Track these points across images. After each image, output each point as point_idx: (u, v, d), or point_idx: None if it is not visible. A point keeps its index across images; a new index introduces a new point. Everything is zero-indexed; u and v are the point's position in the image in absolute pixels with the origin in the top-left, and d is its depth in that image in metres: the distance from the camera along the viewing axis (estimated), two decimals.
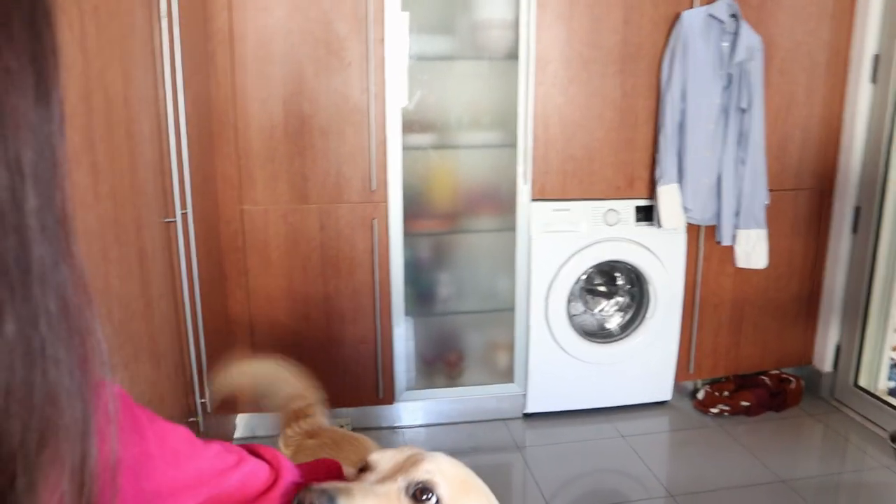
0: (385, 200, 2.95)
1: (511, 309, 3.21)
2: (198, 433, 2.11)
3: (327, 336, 3.04)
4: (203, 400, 2.18)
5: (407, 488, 0.88)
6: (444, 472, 0.91)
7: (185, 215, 2.08)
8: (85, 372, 0.45)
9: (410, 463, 0.91)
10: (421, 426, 3.27)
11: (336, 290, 3.02)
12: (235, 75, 2.75)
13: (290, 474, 0.92)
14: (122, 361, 1.52)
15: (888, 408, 3.20)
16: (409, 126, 2.96)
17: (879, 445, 3.03)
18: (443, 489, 0.89)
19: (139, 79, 1.71)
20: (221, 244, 2.86)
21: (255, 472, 0.88)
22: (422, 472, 0.89)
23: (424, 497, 0.87)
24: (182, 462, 0.79)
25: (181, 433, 0.81)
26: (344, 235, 2.97)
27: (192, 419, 2.10)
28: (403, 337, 3.14)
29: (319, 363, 3.08)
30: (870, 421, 3.25)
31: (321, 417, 1.81)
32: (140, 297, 1.67)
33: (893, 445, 2.16)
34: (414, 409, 3.25)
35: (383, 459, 0.93)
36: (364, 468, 0.94)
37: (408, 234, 3.04)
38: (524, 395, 3.30)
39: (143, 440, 0.74)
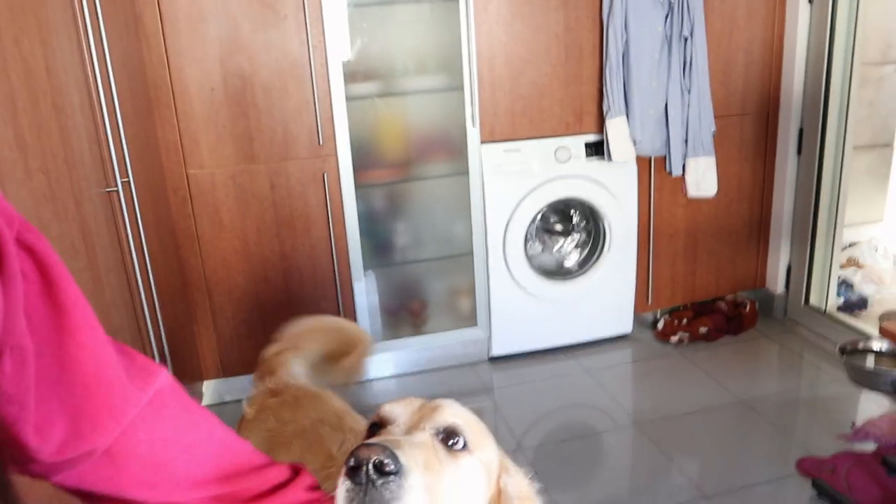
0: (334, 154, 2.91)
1: (469, 253, 3.22)
2: None
3: (287, 296, 3.03)
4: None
5: (436, 434, 0.87)
6: (463, 416, 0.91)
7: (126, 184, 2.03)
8: None
9: (429, 410, 0.90)
10: (390, 377, 3.30)
11: (292, 248, 2.99)
12: (166, 37, 2.65)
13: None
14: None
15: (838, 324, 3.30)
16: (352, 76, 2.90)
17: (831, 360, 3.13)
18: (468, 432, 0.89)
19: (61, 47, 1.64)
20: (171, 211, 2.81)
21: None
22: (447, 417, 0.89)
23: (451, 442, 0.87)
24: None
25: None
26: (295, 193, 2.93)
27: None
28: (364, 290, 3.13)
29: (281, 324, 3.06)
30: (821, 337, 3.36)
31: (291, 372, 1.79)
32: (86, 272, 1.63)
33: (842, 358, 2.23)
34: (382, 361, 3.27)
35: (398, 411, 0.92)
36: (379, 423, 0.93)
37: (360, 187, 3.01)
38: (488, 339, 3.34)
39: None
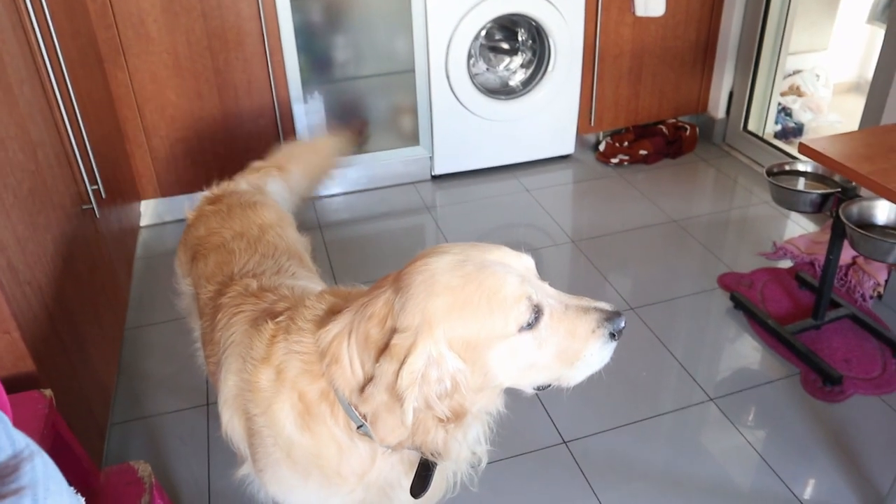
0: None
1: (411, 70, 3.13)
2: (93, 221, 2.08)
3: (223, 112, 2.93)
4: (95, 186, 2.11)
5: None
6: None
7: None
8: None
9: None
10: (333, 195, 3.30)
11: (226, 62, 2.86)
12: None
13: None
14: None
15: (773, 149, 3.37)
16: None
17: (762, 184, 3.23)
18: None
19: None
20: (90, 22, 2.63)
21: None
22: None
23: None
24: None
25: None
26: (226, 3, 2.76)
27: (85, 207, 2.04)
28: (303, 107, 3.05)
29: (218, 142, 3.00)
30: (756, 163, 3.44)
31: (266, 188, 1.78)
32: None
33: (769, 179, 2.30)
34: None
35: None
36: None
37: None
38: (431, 157, 3.33)
39: None
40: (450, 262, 0.94)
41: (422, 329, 0.90)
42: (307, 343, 1.03)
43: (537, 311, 0.94)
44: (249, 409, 1.10)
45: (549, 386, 1.03)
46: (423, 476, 1.07)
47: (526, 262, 1.01)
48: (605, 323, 0.98)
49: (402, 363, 0.89)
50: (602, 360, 1.00)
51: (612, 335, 0.99)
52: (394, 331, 0.92)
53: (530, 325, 0.93)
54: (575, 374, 1.00)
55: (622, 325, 0.99)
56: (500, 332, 0.92)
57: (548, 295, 0.98)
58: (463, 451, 1.03)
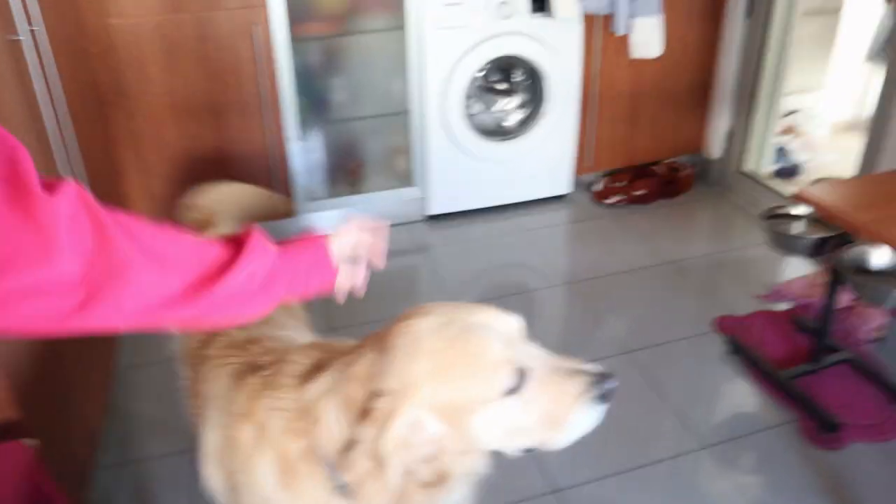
0: (264, 4, 2.75)
1: (407, 111, 3.15)
2: None
3: (219, 154, 2.95)
4: None
5: None
6: None
7: (34, 32, 1.90)
8: None
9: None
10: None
11: (224, 104, 2.88)
12: None
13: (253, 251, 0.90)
14: None
15: (770, 190, 3.37)
16: None
17: (759, 225, 3.22)
18: None
19: None
20: (92, 64, 2.66)
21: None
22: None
23: None
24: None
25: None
26: (226, 46, 2.79)
27: None
28: (300, 148, 3.07)
29: (214, 182, 3.01)
30: (752, 203, 3.43)
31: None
32: None
33: (765, 223, 2.30)
34: (318, 220, 3.25)
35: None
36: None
37: (295, 40, 2.87)
38: (424, 199, 3.34)
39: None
40: (433, 324, 0.94)
41: (403, 394, 0.90)
42: (290, 400, 1.02)
43: (521, 376, 0.93)
44: (230, 465, 1.09)
45: (535, 449, 1.01)
46: None
47: (513, 323, 1.00)
48: (594, 386, 0.97)
49: (385, 429, 0.88)
50: (590, 423, 0.98)
51: (602, 398, 0.97)
52: (376, 394, 0.91)
53: (514, 390, 0.92)
54: (562, 438, 0.98)
55: (612, 386, 0.98)
56: (484, 396, 0.91)
57: (533, 357, 0.97)
58: None
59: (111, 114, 2.77)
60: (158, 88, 2.79)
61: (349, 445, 0.92)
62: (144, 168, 2.90)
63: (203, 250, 0.85)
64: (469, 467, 1.01)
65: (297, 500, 1.01)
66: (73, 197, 0.69)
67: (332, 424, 0.94)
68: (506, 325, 0.98)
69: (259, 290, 0.88)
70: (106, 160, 2.66)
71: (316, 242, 1.03)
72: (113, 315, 0.72)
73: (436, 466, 0.94)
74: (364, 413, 0.91)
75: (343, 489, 0.97)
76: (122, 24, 2.65)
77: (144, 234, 0.78)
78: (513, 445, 0.99)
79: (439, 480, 0.95)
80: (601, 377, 0.97)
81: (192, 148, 2.92)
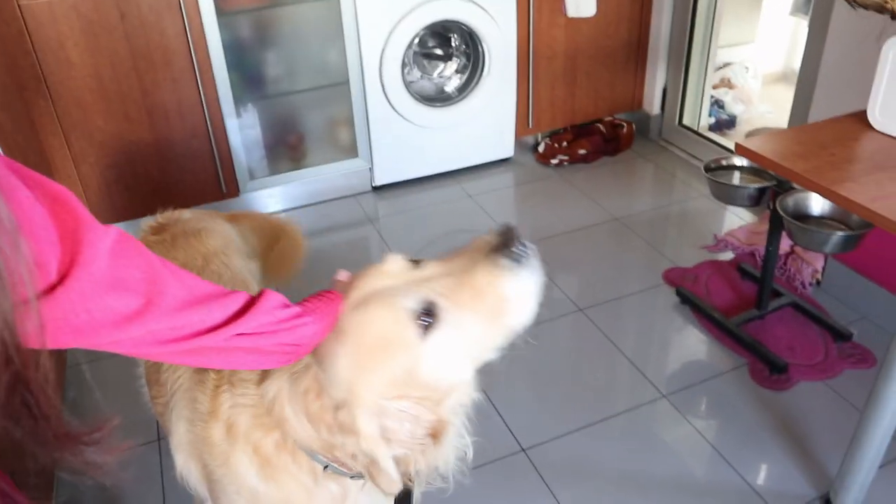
0: None
1: (346, 82, 3.09)
2: None
3: (154, 135, 2.85)
4: None
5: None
6: None
7: None
8: None
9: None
10: (274, 213, 3.24)
11: (154, 83, 2.78)
12: None
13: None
14: None
15: (708, 142, 3.44)
16: None
17: (700, 178, 3.28)
18: None
19: None
20: (7, 48, 2.52)
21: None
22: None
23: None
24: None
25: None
26: (149, 22, 2.67)
27: None
28: (237, 125, 2.99)
29: (151, 166, 2.92)
30: (694, 157, 3.50)
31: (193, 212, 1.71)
32: None
33: (707, 175, 2.35)
34: (264, 198, 3.19)
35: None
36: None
37: (223, 14, 2.78)
38: (370, 169, 3.30)
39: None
40: (344, 322, 0.90)
41: (351, 400, 0.88)
42: (252, 395, 1.00)
43: (429, 306, 0.87)
44: (207, 460, 1.06)
45: (512, 344, 0.94)
46: (404, 502, 1.05)
47: (391, 266, 0.93)
48: (500, 254, 0.88)
49: (357, 437, 0.88)
50: (532, 287, 0.90)
51: (517, 259, 0.88)
52: (337, 407, 0.90)
53: (432, 324, 0.86)
54: (519, 319, 0.91)
55: (519, 240, 0.89)
56: (411, 354, 0.86)
57: (428, 281, 0.89)
58: (449, 453, 1.00)
59: (32, 100, 2.64)
60: (81, 71, 2.66)
61: (332, 448, 0.93)
62: (74, 155, 2.78)
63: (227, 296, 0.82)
64: (457, 402, 0.98)
65: (283, 488, 1.00)
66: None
67: (302, 424, 0.94)
68: (385, 276, 0.91)
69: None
70: (30, 149, 2.53)
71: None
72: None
73: (425, 427, 0.92)
74: (332, 425, 0.91)
75: (331, 468, 0.96)
76: (33, 5, 2.50)
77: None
78: (483, 357, 0.93)
79: (436, 434, 0.93)
80: (501, 240, 0.89)
81: (126, 131, 2.81)
